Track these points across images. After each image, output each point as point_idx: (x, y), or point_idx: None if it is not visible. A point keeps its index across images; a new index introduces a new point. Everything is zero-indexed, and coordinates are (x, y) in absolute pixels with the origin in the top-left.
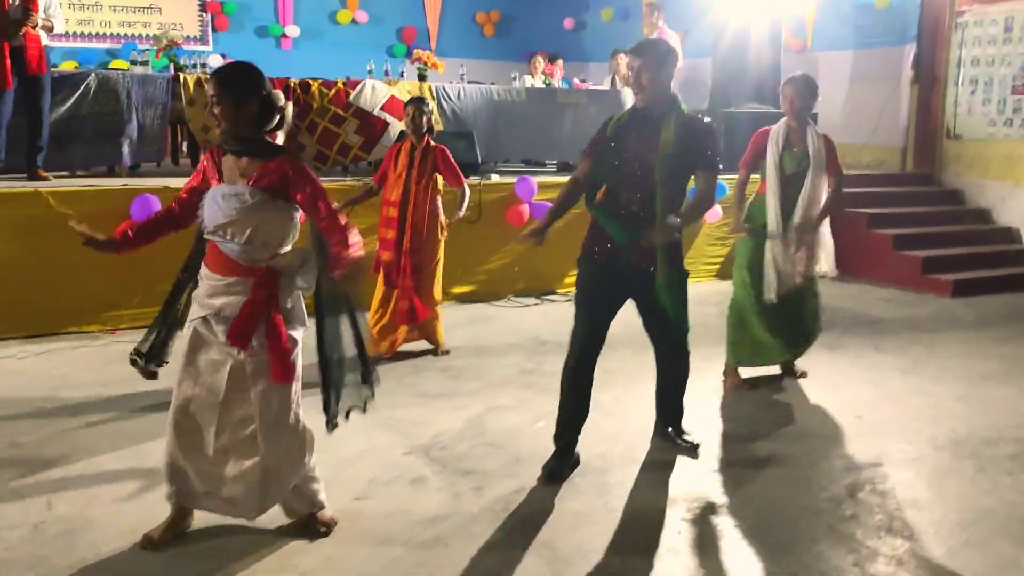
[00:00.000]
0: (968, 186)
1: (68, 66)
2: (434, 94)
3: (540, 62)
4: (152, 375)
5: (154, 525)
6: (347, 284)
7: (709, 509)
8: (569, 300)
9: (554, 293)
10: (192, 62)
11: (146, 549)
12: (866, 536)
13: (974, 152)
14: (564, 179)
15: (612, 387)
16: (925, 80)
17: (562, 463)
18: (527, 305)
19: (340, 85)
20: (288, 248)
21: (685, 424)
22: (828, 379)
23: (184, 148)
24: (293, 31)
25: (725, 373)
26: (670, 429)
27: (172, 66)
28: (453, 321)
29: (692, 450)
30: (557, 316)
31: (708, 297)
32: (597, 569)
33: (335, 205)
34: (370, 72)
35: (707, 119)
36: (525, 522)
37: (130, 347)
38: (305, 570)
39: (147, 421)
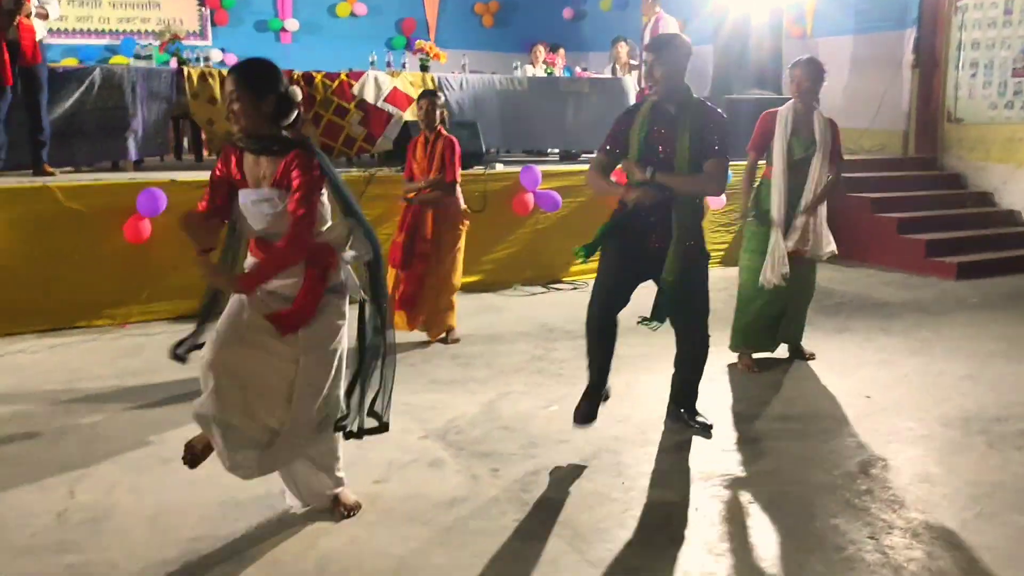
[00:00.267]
0: (970, 169)
1: (68, 62)
2: (437, 84)
3: (541, 52)
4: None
5: (177, 511)
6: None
7: (725, 487)
8: (576, 288)
9: (560, 282)
10: (195, 56)
11: (189, 460)
12: (881, 510)
13: (975, 135)
14: (568, 168)
15: (624, 372)
16: (926, 64)
17: (594, 403)
18: (534, 294)
19: (343, 77)
20: (328, 223)
21: (698, 405)
22: (837, 361)
23: (185, 142)
24: (292, 25)
25: (739, 355)
26: (683, 410)
27: (175, 60)
28: (461, 310)
29: (706, 431)
30: (564, 304)
31: (714, 283)
32: (616, 546)
33: (303, 212)
34: (372, 64)
35: (719, 109)
36: (543, 502)
37: (140, 339)
38: (329, 551)
39: (163, 411)
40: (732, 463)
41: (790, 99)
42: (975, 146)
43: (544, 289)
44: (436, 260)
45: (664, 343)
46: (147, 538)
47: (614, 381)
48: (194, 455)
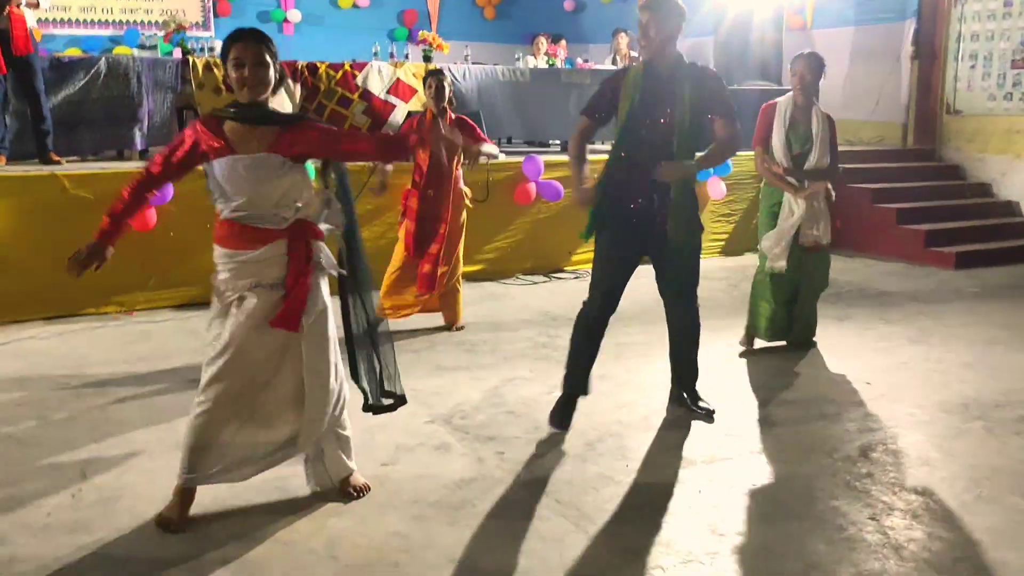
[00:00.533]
0: (968, 161)
1: (72, 52)
2: None
3: (543, 43)
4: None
5: None
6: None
7: (727, 470)
8: (577, 278)
9: (562, 271)
10: (200, 46)
11: (169, 531)
12: (881, 492)
13: (974, 127)
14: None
15: (625, 359)
16: (925, 56)
17: (571, 408)
18: (535, 283)
19: (347, 68)
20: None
21: (700, 390)
22: (838, 348)
23: None
24: (295, 16)
25: (747, 336)
26: (685, 395)
27: (180, 50)
28: (464, 299)
29: (708, 416)
30: (565, 293)
31: (714, 272)
32: (621, 526)
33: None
34: (376, 55)
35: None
36: (549, 484)
37: (148, 327)
38: (339, 531)
39: (172, 396)
40: (734, 446)
41: (790, 91)
42: (974, 138)
43: (546, 278)
44: (450, 242)
45: (662, 330)
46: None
47: (616, 368)
48: (171, 524)
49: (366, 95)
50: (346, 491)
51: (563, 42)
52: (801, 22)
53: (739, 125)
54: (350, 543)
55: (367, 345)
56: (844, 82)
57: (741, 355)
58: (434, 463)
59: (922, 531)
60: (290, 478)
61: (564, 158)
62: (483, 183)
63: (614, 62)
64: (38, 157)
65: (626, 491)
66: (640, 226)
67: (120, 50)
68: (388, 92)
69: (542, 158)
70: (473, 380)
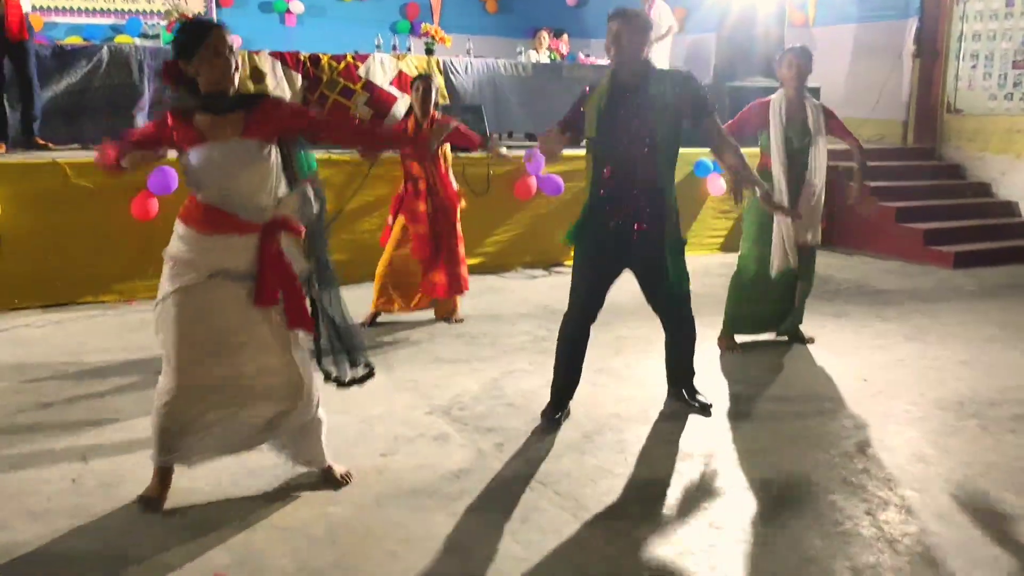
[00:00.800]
0: (968, 160)
1: (73, 41)
2: (442, 68)
3: (545, 37)
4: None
5: (188, 477)
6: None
7: (724, 463)
8: None
9: (561, 265)
10: None
11: (151, 510)
12: (877, 487)
13: (975, 126)
14: (571, 152)
15: (624, 353)
16: (927, 54)
17: (561, 412)
18: (535, 277)
19: (350, 59)
20: (281, 192)
21: (698, 385)
22: (834, 345)
23: None
24: (297, 7)
25: (721, 336)
26: (683, 391)
27: None
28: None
29: (705, 410)
30: (565, 287)
31: (713, 268)
32: (619, 518)
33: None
34: (378, 47)
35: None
36: (547, 476)
37: (146, 315)
38: (338, 519)
39: None
40: (732, 441)
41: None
42: (974, 137)
43: (545, 272)
44: (456, 242)
45: (653, 322)
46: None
47: (615, 363)
48: (151, 502)
49: (369, 86)
50: (332, 477)
51: (565, 37)
52: (803, 18)
53: (718, 118)
54: (349, 531)
55: (332, 327)
56: (845, 79)
57: (723, 353)
58: (433, 454)
59: (917, 526)
60: (289, 467)
61: (564, 153)
62: (484, 177)
63: None
64: (23, 142)
65: (624, 484)
66: (624, 242)
67: (122, 39)
68: (391, 84)
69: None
70: (472, 372)
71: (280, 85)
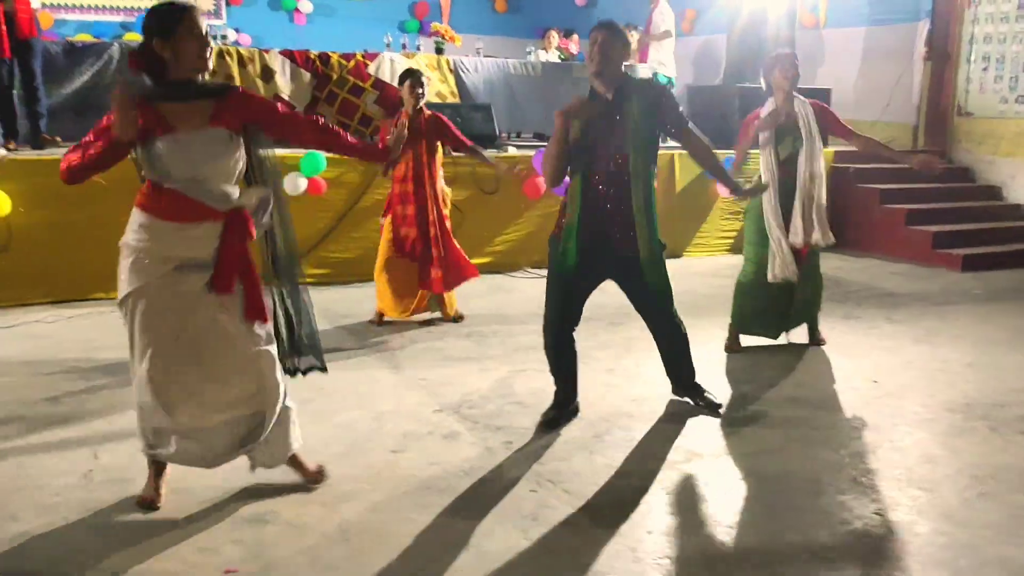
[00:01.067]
0: (978, 163)
1: (83, 38)
2: (452, 67)
3: (555, 37)
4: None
5: (199, 474)
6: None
7: (735, 463)
8: None
9: None
10: (213, 34)
11: (150, 510)
12: (887, 488)
13: (985, 129)
14: None
15: (634, 352)
16: (938, 57)
17: (560, 413)
18: (543, 276)
19: (359, 57)
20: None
21: (705, 385)
22: (844, 347)
23: None
24: (306, 6)
25: (729, 334)
26: (688, 391)
27: None
28: (472, 291)
29: (713, 409)
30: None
31: (722, 270)
32: (629, 516)
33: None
34: (388, 45)
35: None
36: (558, 474)
37: None
38: (351, 516)
39: None
40: (742, 441)
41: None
42: (984, 140)
43: None
44: (447, 239)
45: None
46: (170, 500)
47: (625, 362)
48: (147, 502)
49: (378, 84)
50: (303, 472)
51: (575, 36)
52: (814, 20)
53: (694, 129)
54: (360, 527)
55: (287, 319)
56: (856, 82)
57: (727, 351)
58: (443, 451)
59: (927, 526)
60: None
61: None
62: (492, 176)
63: None
64: (30, 139)
65: (634, 482)
66: (601, 252)
67: (131, 36)
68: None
69: None
70: (482, 371)
71: (290, 83)
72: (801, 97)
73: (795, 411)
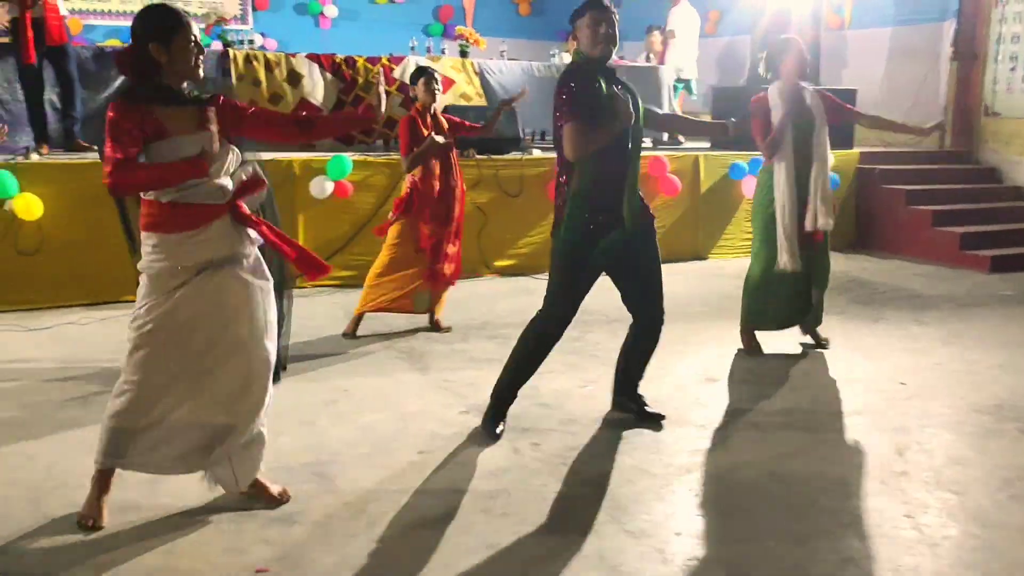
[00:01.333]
0: (1006, 164)
1: (113, 43)
2: (477, 70)
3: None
4: None
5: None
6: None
7: (762, 465)
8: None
9: None
10: (240, 39)
11: (91, 528)
12: (916, 490)
13: (1012, 129)
14: None
15: (658, 354)
16: (965, 57)
17: (500, 423)
18: None
19: (385, 61)
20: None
21: (739, 387)
22: (871, 349)
23: None
24: (331, 11)
25: (742, 332)
26: (631, 398)
27: (221, 43)
28: (496, 292)
29: (656, 421)
30: (596, 288)
31: (744, 272)
32: (657, 519)
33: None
34: (412, 49)
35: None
36: (584, 475)
37: None
38: (377, 515)
39: None
40: (768, 443)
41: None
42: (1011, 140)
43: None
44: (456, 235)
45: (695, 327)
46: (202, 498)
47: (650, 364)
48: (94, 521)
49: (404, 88)
50: (264, 497)
51: None
52: (839, 21)
53: None
54: (388, 526)
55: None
56: (881, 82)
57: (747, 352)
58: (469, 452)
59: (957, 529)
60: (328, 464)
61: None
62: (516, 178)
63: (647, 59)
64: (64, 144)
65: (661, 484)
66: (608, 241)
67: None
68: None
69: None
70: None
71: (316, 87)
72: (808, 86)
73: (822, 413)
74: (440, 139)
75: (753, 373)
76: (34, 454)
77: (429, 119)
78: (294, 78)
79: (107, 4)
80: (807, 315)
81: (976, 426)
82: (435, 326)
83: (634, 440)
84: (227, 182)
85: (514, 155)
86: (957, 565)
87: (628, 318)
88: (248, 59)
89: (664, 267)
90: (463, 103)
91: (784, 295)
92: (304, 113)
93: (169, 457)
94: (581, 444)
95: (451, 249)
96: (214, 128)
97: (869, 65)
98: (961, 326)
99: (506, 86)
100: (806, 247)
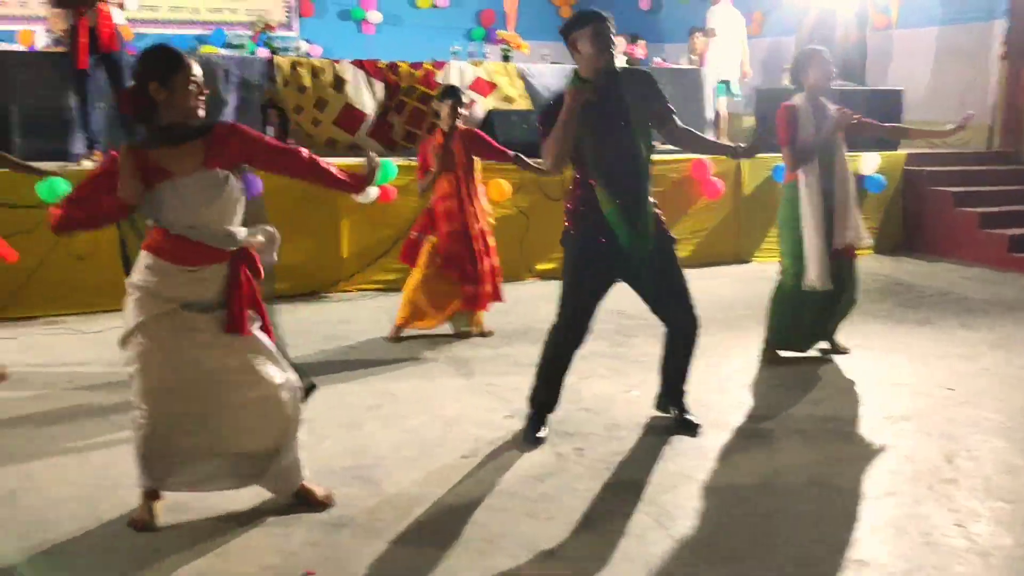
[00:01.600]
0: None
1: None
2: (520, 73)
3: (621, 43)
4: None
5: None
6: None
7: (809, 473)
8: None
9: None
10: (286, 46)
11: (144, 530)
12: (966, 498)
13: None
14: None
15: (704, 357)
16: (1015, 56)
17: (540, 427)
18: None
19: (428, 66)
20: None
21: (782, 392)
22: (918, 353)
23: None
24: (375, 16)
25: (764, 352)
26: (674, 407)
27: (267, 49)
28: (538, 296)
29: (691, 429)
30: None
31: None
32: (703, 525)
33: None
34: (455, 54)
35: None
36: (628, 481)
37: None
38: (422, 518)
39: None
40: (815, 451)
41: (803, 92)
42: None
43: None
44: (489, 255)
45: (737, 330)
46: (250, 501)
47: (694, 367)
48: (139, 525)
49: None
50: (311, 504)
51: (642, 42)
52: (886, 21)
53: None
54: (433, 530)
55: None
56: (929, 82)
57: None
58: (514, 457)
59: (1010, 539)
60: (373, 467)
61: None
62: (558, 182)
63: (690, 61)
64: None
65: (707, 490)
66: (623, 251)
67: (206, 49)
68: (468, 88)
69: None
70: None
71: (360, 92)
72: (828, 102)
73: (866, 418)
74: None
75: (797, 377)
76: (88, 457)
77: (457, 142)
78: (339, 83)
79: (157, 12)
80: (831, 332)
81: None
82: (478, 332)
83: (678, 446)
84: (238, 231)
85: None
86: None
87: (659, 324)
88: (294, 65)
89: (706, 270)
90: (506, 106)
91: (811, 314)
92: (307, 153)
93: (209, 478)
94: (625, 449)
95: (484, 268)
96: (218, 164)
97: (916, 65)
98: (1010, 330)
99: (550, 88)
100: (835, 262)
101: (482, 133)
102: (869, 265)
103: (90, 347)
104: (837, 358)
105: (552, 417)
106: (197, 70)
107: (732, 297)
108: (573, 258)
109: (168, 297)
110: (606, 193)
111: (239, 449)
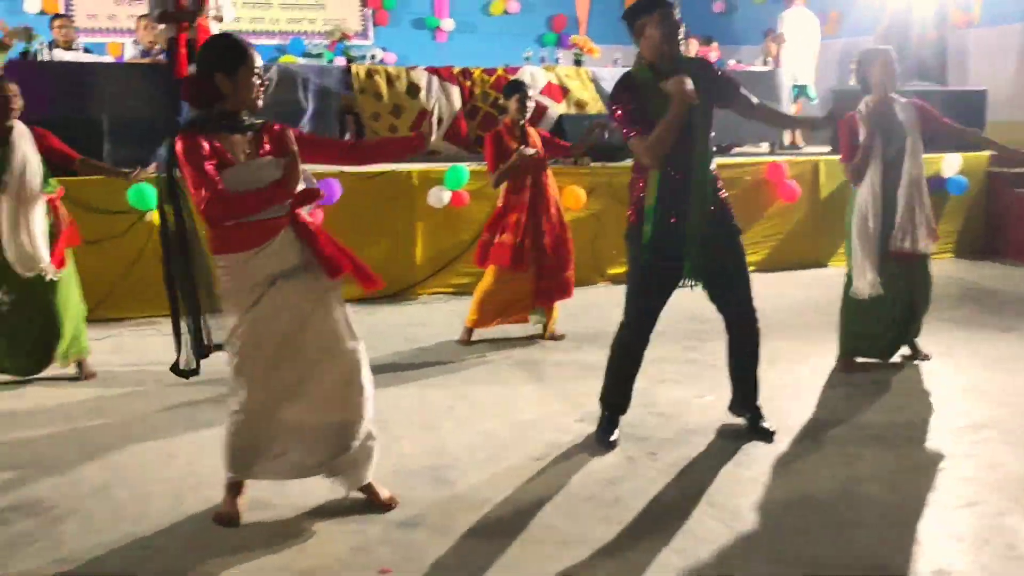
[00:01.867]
0: None
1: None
2: (592, 77)
3: (694, 45)
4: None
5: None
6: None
7: (883, 480)
8: None
9: None
10: (363, 55)
11: (228, 525)
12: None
13: None
14: (720, 160)
15: (779, 363)
16: None
17: (612, 431)
18: (681, 285)
19: (500, 72)
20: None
21: (859, 398)
22: (1000, 361)
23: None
24: (448, 24)
25: (840, 359)
26: (748, 412)
27: (344, 58)
28: (610, 301)
29: (765, 435)
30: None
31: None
32: (776, 531)
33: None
34: (527, 59)
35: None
36: (701, 486)
37: None
38: (495, 519)
39: None
40: (894, 457)
41: (872, 94)
42: None
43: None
44: (563, 248)
45: (811, 334)
46: (327, 497)
47: (769, 373)
48: (225, 519)
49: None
50: (374, 500)
51: (715, 44)
52: (967, 19)
53: None
54: (506, 532)
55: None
56: (1014, 81)
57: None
58: (586, 461)
59: None
60: (448, 468)
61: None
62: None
63: (765, 63)
64: None
65: (779, 497)
66: (685, 243)
67: (286, 58)
68: (540, 93)
69: None
70: None
71: (434, 99)
72: (900, 98)
73: (945, 426)
74: (529, 151)
75: (874, 384)
76: (175, 453)
77: (518, 133)
78: (413, 90)
79: (239, 24)
80: (911, 337)
81: None
82: (549, 335)
83: (751, 452)
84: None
85: (627, 162)
86: None
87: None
88: (370, 73)
89: (782, 275)
90: (578, 112)
91: (885, 320)
92: (349, 138)
93: (293, 464)
94: (698, 455)
95: (550, 264)
96: (271, 152)
97: (999, 64)
98: None
99: None
100: (904, 266)
101: (546, 132)
102: (949, 270)
103: (162, 348)
104: (917, 364)
105: (624, 421)
106: (259, 61)
107: (808, 302)
108: (631, 254)
109: (254, 284)
110: (658, 176)
111: (327, 418)
